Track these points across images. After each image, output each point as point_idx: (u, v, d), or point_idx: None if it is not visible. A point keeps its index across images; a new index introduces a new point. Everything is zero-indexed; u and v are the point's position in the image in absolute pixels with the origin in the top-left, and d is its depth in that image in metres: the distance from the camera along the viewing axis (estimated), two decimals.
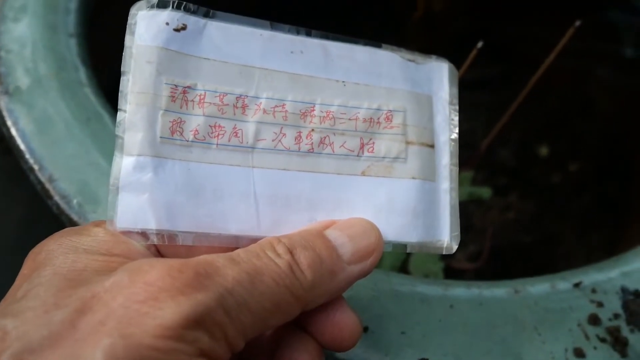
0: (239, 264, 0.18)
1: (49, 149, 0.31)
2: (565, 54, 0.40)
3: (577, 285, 0.30)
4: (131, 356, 0.15)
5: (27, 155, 0.31)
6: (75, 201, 0.29)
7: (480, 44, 0.34)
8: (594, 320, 0.28)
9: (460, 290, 0.28)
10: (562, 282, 0.30)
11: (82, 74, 0.34)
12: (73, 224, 0.29)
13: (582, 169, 0.57)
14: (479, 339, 0.27)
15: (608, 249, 0.53)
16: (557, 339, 0.27)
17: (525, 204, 0.55)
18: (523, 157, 0.57)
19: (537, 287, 0.29)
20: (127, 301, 0.16)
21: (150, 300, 0.16)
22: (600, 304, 0.29)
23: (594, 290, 0.29)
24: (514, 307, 0.28)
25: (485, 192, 0.44)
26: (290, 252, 0.19)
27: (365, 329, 0.26)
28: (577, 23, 0.35)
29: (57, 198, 0.29)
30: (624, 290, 0.30)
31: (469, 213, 0.48)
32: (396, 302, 0.27)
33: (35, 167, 0.30)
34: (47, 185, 0.29)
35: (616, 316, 0.29)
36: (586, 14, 0.41)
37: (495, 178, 0.53)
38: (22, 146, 0.31)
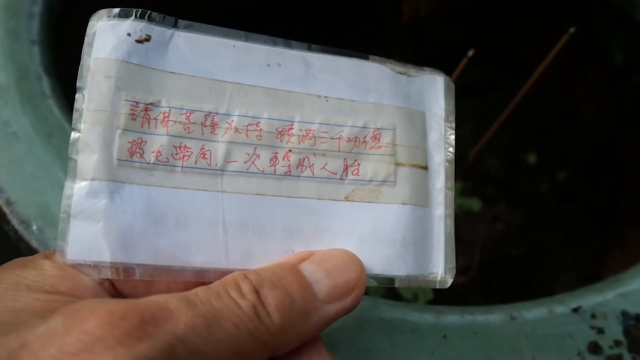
0: (196, 306, 0.16)
1: (7, 167, 0.28)
2: (553, 61, 0.39)
3: (575, 310, 0.28)
4: None
5: None
6: (35, 226, 0.26)
7: (471, 53, 0.32)
8: (595, 348, 0.27)
9: (453, 318, 0.26)
10: (560, 307, 0.28)
11: (46, 84, 0.31)
12: (32, 251, 0.26)
13: (570, 178, 0.56)
14: None
15: (597, 259, 0.52)
16: None
17: (513, 215, 0.53)
18: (510, 165, 0.56)
19: (534, 312, 0.28)
20: (59, 353, 0.14)
21: (84, 353, 0.14)
22: (600, 330, 0.27)
23: (593, 316, 0.28)
24: (510, 336, 0.26)
25: (474, 204, 0.42)
26: (257, 292, 0.17)
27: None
28: (572, 30, 0.34)
29: (15, 223, 0.26)
30: (624, 314, 0.28)
31: (457, 225, 0.46)
32: (385, 333, 0.25)
33: None
34: (4, 209, 0.27)
35: (617, 343, 0.27)
36: (576, 21, 0.39)
37: (482, 187, 0.51)
38: None
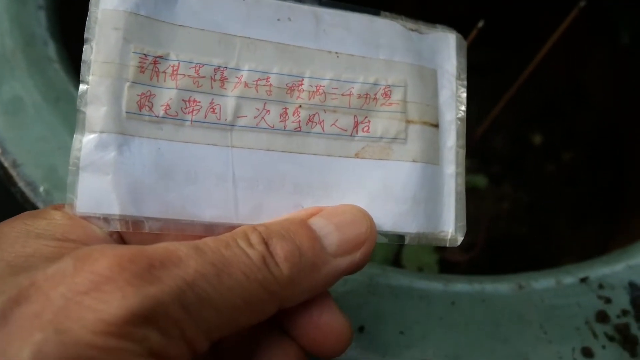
0: (205, 254, 0.16)
1: (14, 130, 0.28)
2: (560, 40, 0.38)
3: (583, 280, 0.28)
4: (65, 355, 0.13)
5: None
6: (41, 188, 0.26)
7: (481, 24, 0.32)
8: (602, 317, 0.27)
9: (461, 286, 0.26)
10: (568, 277, 0.28)
11: (52, 49, 0.31)
12: None
13: (575, 158, 0.55)
14: (483, 338, 0.25)
15: (602, 239, 0.51)
16: (564, 338, 0.25)
17: (519, 194, 0.53)
18: (517, 145, 0.56)
19: (542, 282, 0.27)
20: (69, 292, 0.14)
21: (93, 292, 0.14)
22: (608, 300, 0.27)
23: (601, 286, 0.27)
24: (518, 304, 0.26)
25: (480, 180, 0.42)
26: (265, 243, 0.17)
27: (361, 329, 0.24)
28: (583, 3, 0.33)
29: (21, 185, 0.26)
30: (632, 285, 0.28)
31: None
32: (393, 299, 0.25)
33: None
34: (11, 171, 0.27)
35: (625, 313, 0.27)
36: None
37: (488, 166, 0.51)
38: None
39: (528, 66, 0.40)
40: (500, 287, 0.27)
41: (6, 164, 0.26)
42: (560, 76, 0.56)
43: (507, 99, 0.40)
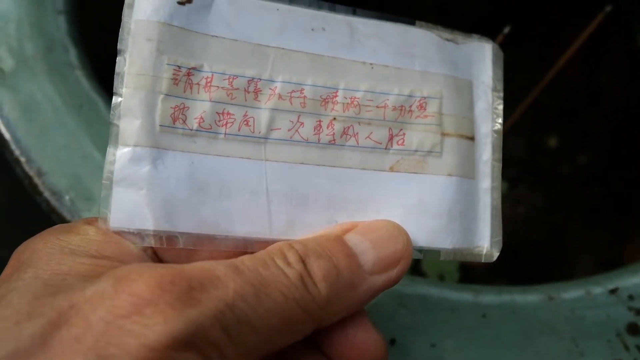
0: (243, 273, 0.16)
1: (37, 138, 0.27)
2: (576, 43, 0.37)
3: (613, 291, 0.27)
4: None
5: (13, 146, 0.27)
6: (67, 197, 0.26)
7: (507, 29, 0.31)
8: (634, 329, 0.26)
9: (491, 298, 0.26)
10: (597, 288, 0.27)
11: (73, 55, 0.30)
12: (65, 222, 0.25)
13: (591, 161, 0.55)
14: (514, 351, 0.24)
15: (617, 241, 0.51)
16: (596, 351, 0.25)
17: (534, 197, 0.52)
18: (532, 148, 0.55)
19: (571, 293, 0.27)
20: (109, 315, 0.14)
21: (134, 315, 0.14)
22: (638, 312, 0.26)
23: (631, 297, 0.27)
24: (549, 316, 0.26)
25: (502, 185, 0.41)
26: (303, 261, 0.17)
27: (392, 342, 0.23)
28: (608, 8, 0.32)
29: (47, 194, 0.26)
30: None
31: None
32: (425, 311, 0.24)
33: (22, 158, 0.27)
34: (36, 180, 0.26)
35: None
36: (600, 3, 0.38)
37: (504, 169, 0.50)
38: (7, 135, 0.28)
39: (548, 70, 0.39)
40: (530, 297, 0.26)
41: (31, 173, 0.26)
42: (576, 79, 0.55)
43: (528, 102, 0.39)
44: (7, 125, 0.28)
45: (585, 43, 0.40)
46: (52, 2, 0.32)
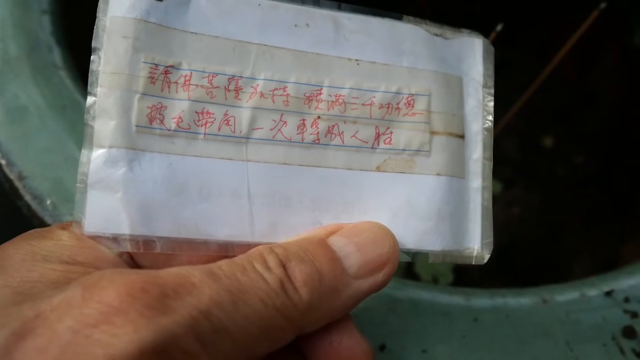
0: (220, 279, 0.15)
1: (19, 141, 0.27)
2: (571, 41, 0.37)
3: (608, 293, 0.26)
4: None
5: None
6: (48, 201, 0.25)
7: (499, 27, 0.30)
8: (629, 333, 0.25)
9: (483, 301, 0.25)
10: (592, 290, 0.27)
11: (57, 55, 0.30)
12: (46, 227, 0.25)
13: (587, 161, 0.54)
14: (508, 356, 0.24)
15: (614, 242, 0.50)
16: (591, 356, 0.25)
17: (529, 198, 0.52)
18: (527, 148, 0.54)
19: (566, 295, 0.26)
20: (77, 324, 0.13)
21: (103, 325, 0.13)
22: (634, 315, 0.26)
23: (627, 299, 0.26)
24: (543, 320, 0.25)
25: (495, 186, 0.41)
26: (284, 266, 0.16)
27: (382, 347, 0.23)
28: (603, 5, 0.32)
29: (27, 198, 0.25)
30: None
31: None
32: (415, 316, 0.24)
33: (2, 161, 0.26)
34: (17, 183, 0.26)
35: None
36: (594, 0, 0.37)
37: (499, 169, 0.50)
38: None
39: (542, 69, 0.39)
40: (523, 300, 0.26)
41: (12, 176, 0.25)
42: (571, 78, 0.55)
43: (522, 102, 0.39)
44: None
45: (579, 41, 0.39)
46: (36, 2, 0.31)
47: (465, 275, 0.41)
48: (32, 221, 0.25)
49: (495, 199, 0.47)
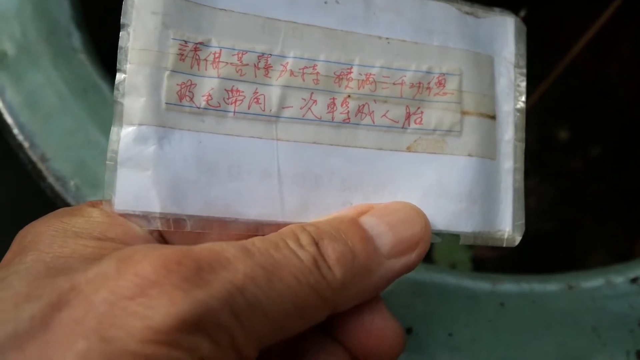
0: (254, 255, 0.15)
1: (41, 124, 0.27)
2: (587, 30, 0.37)
3: (634, 280, 0.26)
4: None
5: (16, 131, 0.27)
6: (72, 183, 0.25)
7: (523, 13, 0.30)
8: None
9: (509, 286, 0.25)
10: (618, 277, 0.27)
11: (77, 39, 0.29)
12: None
13: (603, 154, 0.54)
14: (534, 341, 0.23)
15: (629, 236, 0.50)
16: (618, 341, 0.24)
17: (545, 190, 0.51)
18: (542, 140, 0.54)
19: (592, 282, 0.26)
20: (112, 296, 0.13)
21: (139, 297, 0.13)
22: None
23: None
24: (569, 306, 0.25)
25: None
26: (316, 244, 0.16)
27: (409, 331, 0.22)
28: None
29: (51, 180, 0.25)
30: None
31: None
32: (442, 300, 0.23)
33: (26, 144, 0.26)
34: (40, 165, 0.25)
35: None
36: None
37: None
38: (10, 120, 0.27)
39: (559, 61, 0.38)
40: (549, 286, 0.25)
41: (35, 158, 0.25)
42: (587, 70, 0.54)
43: (539, 94, 0.39)
44: (10, 110, 0.27)
45: (597, 34, 0.39)
46: None
47: (482, 264, 0.41)
48: (56, 202, 0.25)
49: None
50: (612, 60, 0.55)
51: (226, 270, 0.14)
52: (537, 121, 0.54)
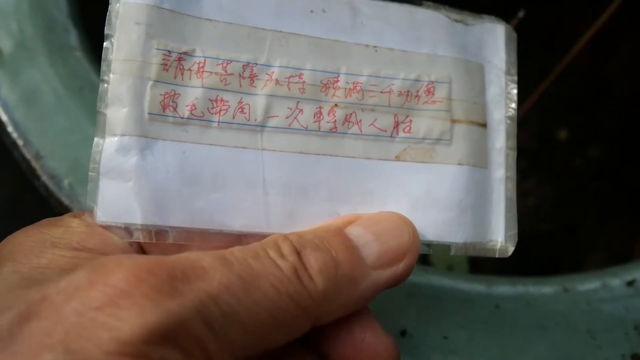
0: (231, 264, 0.15)
1: (36, 121, 0.27)
2: (587, 33, 0.36)
3: (630, 283, 0.26)
4: None
5: (11, 128, 0.27)
6: (66, 182, 0.25)
7: (521, 13, 0.30)
8: None
9: (505, 288, 0.25)
10: (614, 279, 0.27)
11: (73, 36, 0.29)
12: (64, 208, 0.25)
13: (602, 154, 0.54)
14: (529, 343, 0.23)
15: (629, 236, 0.50)
16: (613, 344, 0.24)
17: (544, 190, 0.51)
18: (542, 140, 0.54)
19: (587, 284, 0.26)
20: (82, 307, 0.13)
21: (108, 307, 0.13)
22: None
23: None
24: (564, 308, 0.25)
25: None
26: (298, 253, 0.16)
27: (403, 333, 0.22)
28: None
29: (45, 178, 0.25)
30: None
31: None
32: (436, 302, 0.23)
33: (20, 142, 0.26)
34: (34, 164, 0.25)
35: None
36: None
37: None
38: (5, 117, 0.27)
39: (558, 60, 0.38)
40: (544, 289, 0.25)
41: (29, 156, 0.25)
42: (586, 70, 0.54)
43: (538, 93, 0.38)
44: (5, 108, 0.27)
45: (597, 33, 0.39)
46: None
47: (480, 265, 0.41)
48: (50, 201, 0.25)
49: None
50: (611, 60, 0.55)
51: (201, 280, 0.14)
52: (536, 121, 0.54)
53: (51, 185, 0.25)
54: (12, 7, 0.29)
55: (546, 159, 0.53)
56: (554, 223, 0.50)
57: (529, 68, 0.43)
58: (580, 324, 0.24)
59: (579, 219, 0.51)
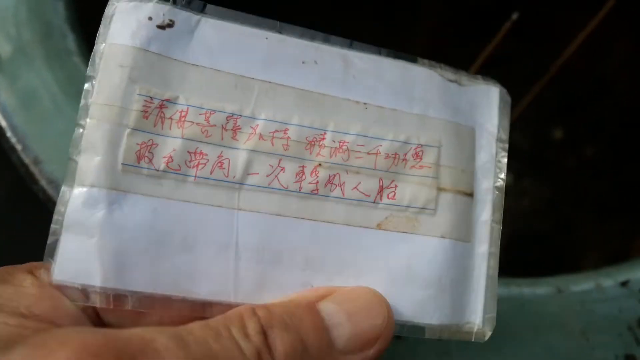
0: (188, 346, 0.13)
1: (35, 126, 0.26)
2: (583, 33, 0.37)
3: (624, 284, 0.26)
4: None
5: (9, 133, 0.26)
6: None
7: (515, 16, 0.30)
8: None
9: (499, 290, 0.25)
10: (608, 280, 0.26)
11: (71, 41, 0.28)
12: None
13: (598, 153, 0.54)
14: (523, 345, 0.23)
15: (626, 235, 0.50)
16: (607, 345, 0.24)
17: (540, 190, 0.51)
18: (537, 139, 0.54)
19: (581, 285, 0.26)
20: None
21: None
22: None
23: None
24: (558, 310, 0.25)
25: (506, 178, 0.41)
26: (264, 333, 0.14)
27: (398, 336, 0.22)
28: None
29: (43, 182, 0.25)
30: None
31: None
32: None
33: (18, 146, 0.26)
34: (32, 168, 0.25)
35: None
36: None
37: (509, 161, 0.49)
38: (3, 122, 0.26)
39: (554, 60, 0.38)
40: (538, 290, 0.25)
41: (27, 161, 0.25)
42: (581, 70, 0.54)
43: (534, 93, 0.39)
44: (4, 113, 0.26)
45: (592, 33, 0.39)
46: None
47: None
48: (48, 205, 0.24)
49: (506, 190, 0.47)
50: (606, 59, 0.55)
51: None
52: (532, 120, 0.54)
53: (50, 190, 0.24)
54: (11, 12, 0.28)
55: (541, 158, 0.54)
56: (549, 223, 0.51)
57: (524, 68, 0.44)
58: (574, 325, 0.24)
59: (575, 218, 0.51)
